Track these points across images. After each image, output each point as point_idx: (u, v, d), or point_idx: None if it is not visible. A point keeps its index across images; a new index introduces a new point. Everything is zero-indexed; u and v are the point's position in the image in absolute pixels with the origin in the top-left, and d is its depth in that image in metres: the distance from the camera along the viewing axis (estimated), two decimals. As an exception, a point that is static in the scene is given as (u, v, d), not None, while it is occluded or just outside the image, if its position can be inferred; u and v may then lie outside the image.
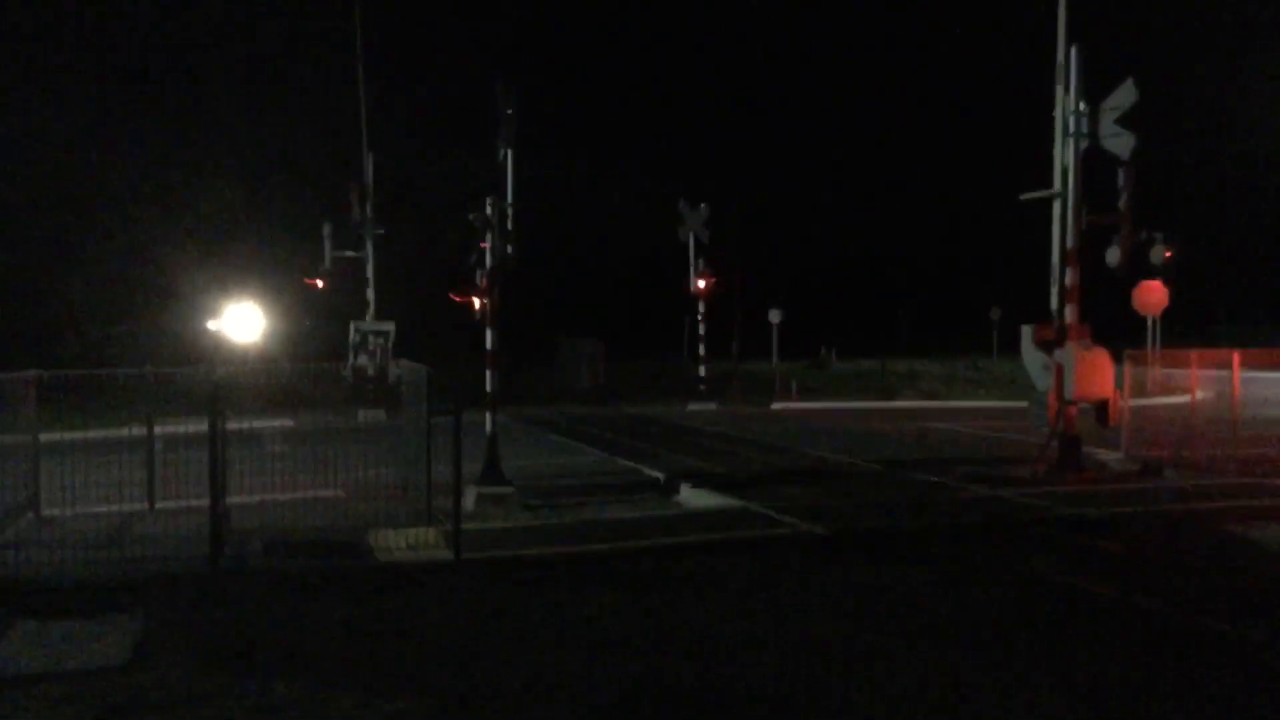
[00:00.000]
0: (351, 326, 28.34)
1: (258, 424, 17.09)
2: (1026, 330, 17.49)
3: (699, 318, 33.93)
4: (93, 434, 14.01)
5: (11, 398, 12.63)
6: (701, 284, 32.93)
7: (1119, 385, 17.44)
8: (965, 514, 13.88)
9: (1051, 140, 17.38)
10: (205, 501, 11.67)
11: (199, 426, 12.19)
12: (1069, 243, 17.01)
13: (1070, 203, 17.05)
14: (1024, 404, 19.50)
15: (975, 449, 20.80)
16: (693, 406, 31.66)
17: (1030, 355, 17.46)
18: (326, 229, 29.98)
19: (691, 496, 15.61)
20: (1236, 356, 17.88)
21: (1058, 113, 17.14)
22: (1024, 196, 17.89)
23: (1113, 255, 17.27)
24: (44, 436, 14.18)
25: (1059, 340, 17.06)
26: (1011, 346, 29.24)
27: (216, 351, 23.51)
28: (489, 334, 15.59)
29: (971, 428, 24.97)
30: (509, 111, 15.47)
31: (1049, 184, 17.40)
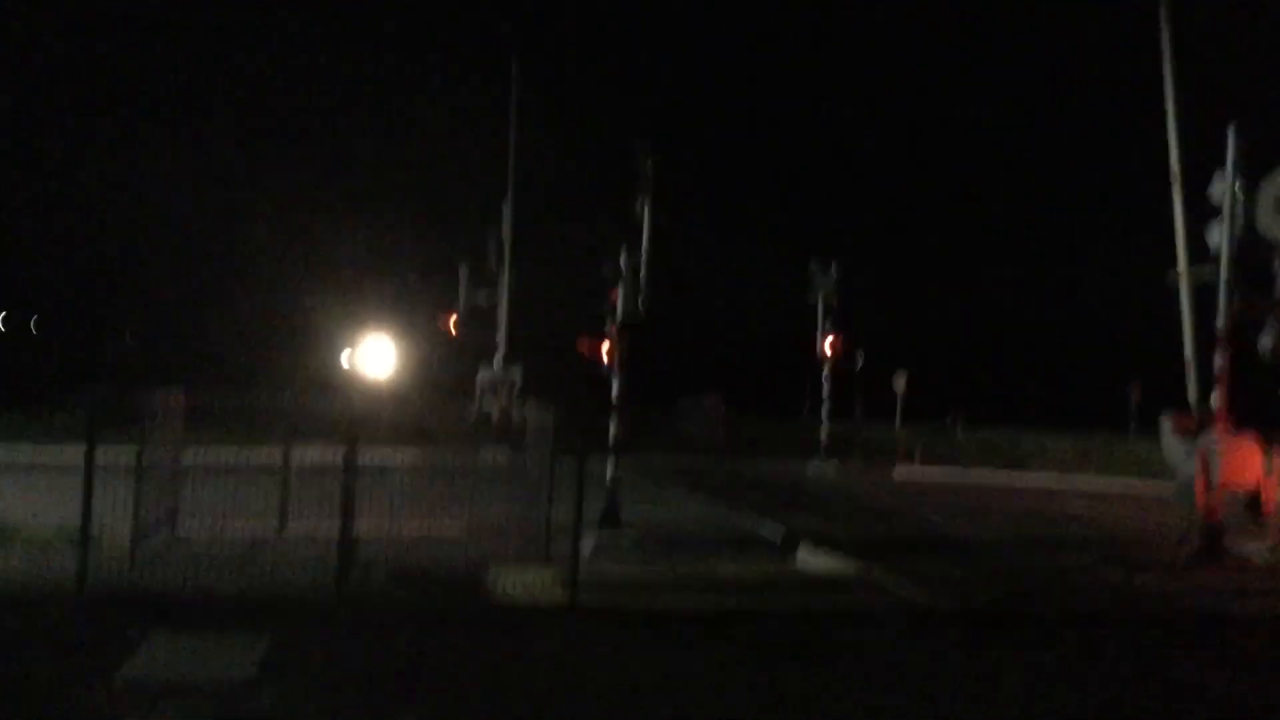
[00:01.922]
0: (480, 371, 28.85)
1: (385, 456, 17.49)
2: (1165, 423, 16.83)
3: (823, 378, 33.57)
4: (231, 455, 14.50)
5: (159, 416, 13.19)
6: (828, 346, 32.62)
7: (1268, 473, 16.59)
8: (1098, 599, 13.32)
9: (1204, 218, 16.80)
10: (334, 528, 11.99)
11: (332, 455, 12.57)
12: (1219, 327, 16.35)
13: (1223, 286, 16.40)
14: (1162, 486, 18.71)
15: (1109, 530, 19.99)
16: (813, 467, 31.25)
17: (1170, 444, 16.77)
18: (463, 271, 30.69)
19: (810, 558, 15.35)
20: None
21: (1213, 192, 16.55)
22: (1172, 277, 17.31)
23: (1265, 342, 16.48)
24: (186, 455, 14.74)
25: (1203, 426, 16.34)
26: (1149, 427, 28.15)
27: (351, 384, 24.20)
28: (615, 382, 15.75)
29: (1106, 508, 24.03)
30: (648, 167, 15.73)
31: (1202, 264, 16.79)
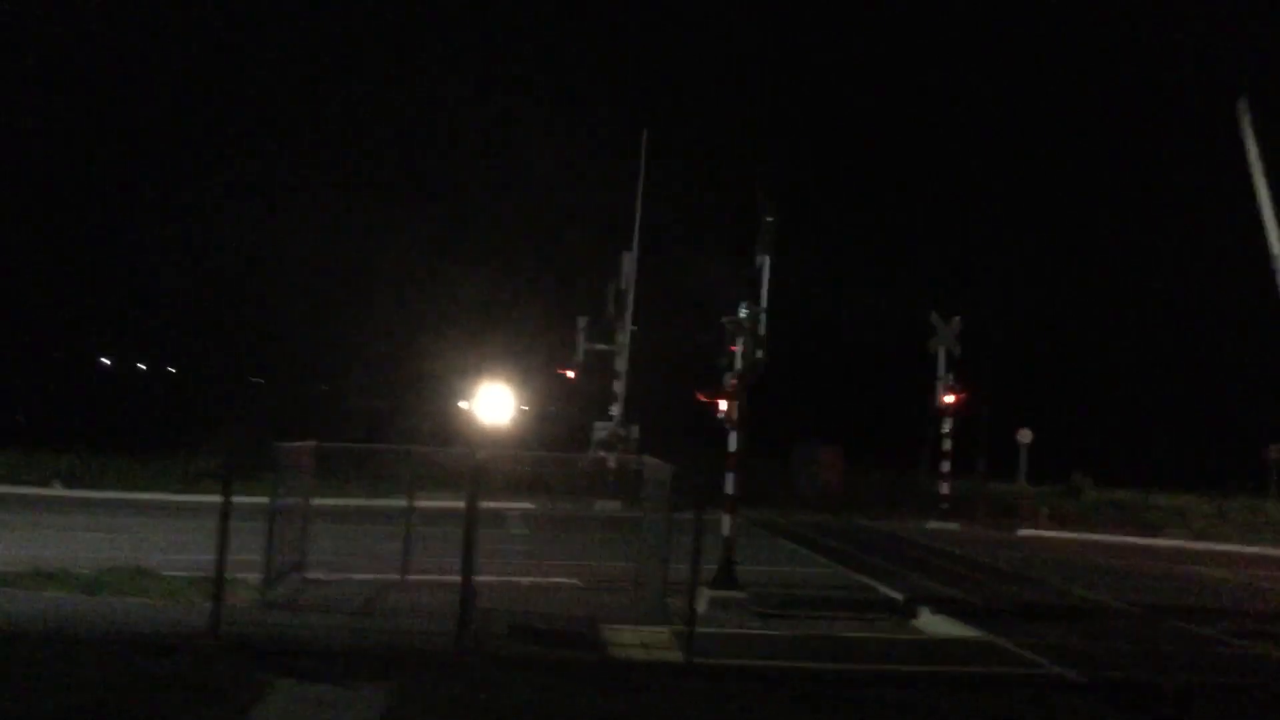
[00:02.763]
0: (596, 426, 29.08)
1: (502, 504, 17.72)
2: None
3: (943, 432, 32.87)
4: (356, 502, 14.88)
5: (291, 465, 13.63)
6: (949, 398, 31.96)
7: None
8: (1238, 673, 12.65)
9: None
10: (454, 577, 12.17)
11: (450, 503, 12.79)
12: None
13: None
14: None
15: (1249, 600, 19.01)
16: (932, 524, 30.53)
17: None
18: (582, 322, 31.12)
19: (932, 623, 14.95)
20: None
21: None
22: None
23: None
24: (315, 502, 15.18)
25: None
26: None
27: (468, 431, 24.60)
28: (732, 436, 15.64)
29: (1245, 576, 22.87)
30: (768, 219, 15.72)
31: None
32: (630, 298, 30.11)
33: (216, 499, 11.50)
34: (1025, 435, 37.67)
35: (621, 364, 30.37)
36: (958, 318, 32.78)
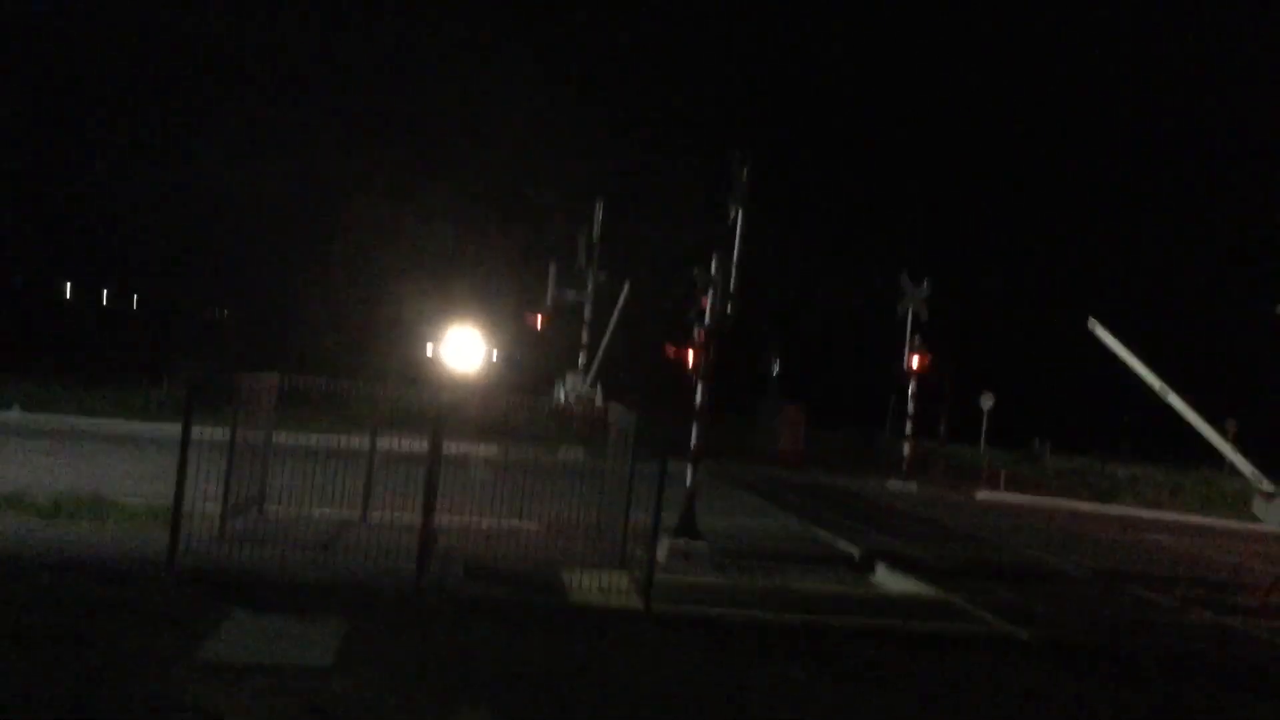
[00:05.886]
0: (559, 383, 29.02)
1: (467, 448, 17.67)
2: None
3: (908, 395, 33.12)
4: (319, 439, 14.77)
5: (253, 397, 13.49)
6: (915, 361, 32.13)
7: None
8: (1186, 639, 12.90)
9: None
10: (415, 518, 12.15)
11: (416, 444, 12.73)
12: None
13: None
14: (1254, 528, 18.02)
15: (1199, 568, 19.36)
16: (893, 484, 30.82)
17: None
18: (551, 269, 30.97)
19: (887, 578, 15.13)
20: None
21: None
22: (1281, 307, 16.70)
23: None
24: (276, 437, 15.07)
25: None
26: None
27: (437, 376, 24.52)
28: (700, 389, 15.66)
29: (1197, 545, 23.28)
30: (742, 172, 15.62)
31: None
32: (595, 246, 29.98)
33: (178, 429, 11.39)
34: (988, 400, 38.04)
35: (589, 311, 30.30)
36: (927, 280, 32.90)
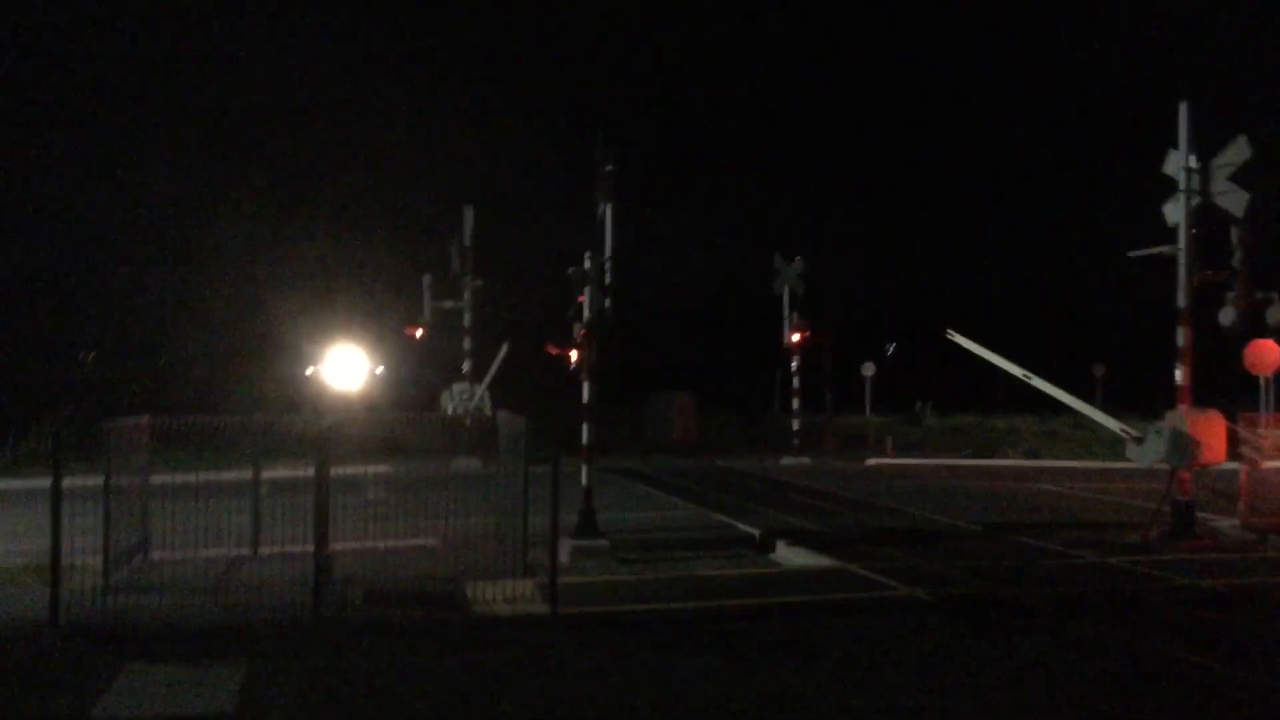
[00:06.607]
0: (445, 394, 28.65)
1: (357, 470, 17.36)
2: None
3: (792, 371, 33.68)
4: (201, 477, 14.32)
5: (125, 443, 13.00)
6: (795, 337, 32.69)
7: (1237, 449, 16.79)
8: (1074, 582, 13.42)
9: (1162, 197, 16.96)
10: (308, 547, 11.87)
11: (302, 472, 12.43)
12: (1181, 302, 16.51)
13: (1183, 261, 16.57)
14: (1130, 466, 18.79)
15: (1080, 512, 20.17)
16: (786, 461, 31.34)
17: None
18: (426, 280, 30.55)
19: (788, 555, 15.38)
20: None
21: (1168, 168, 16.75)
22: (1133, 254, 17.45)
23: (1226, 315, 16.70)
24: (154, 479, 14.56)
25: (1172, 403, 16.53)
26: (1115, 404, 28.34)
27: (319, 398, 23.97)
28: (585, 387, 15.66)
29: (1075, 489, 24.25)
30: (608, 167, 15.65)
31: (1160, 241, 16.95)
32: (468, 254, 29.68)
33: (48, 482, 10.91)
34: (868, 368, 38.95)
35: (468, 319, 29.98)
36: (799, 258, 33.47)
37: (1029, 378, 17.60)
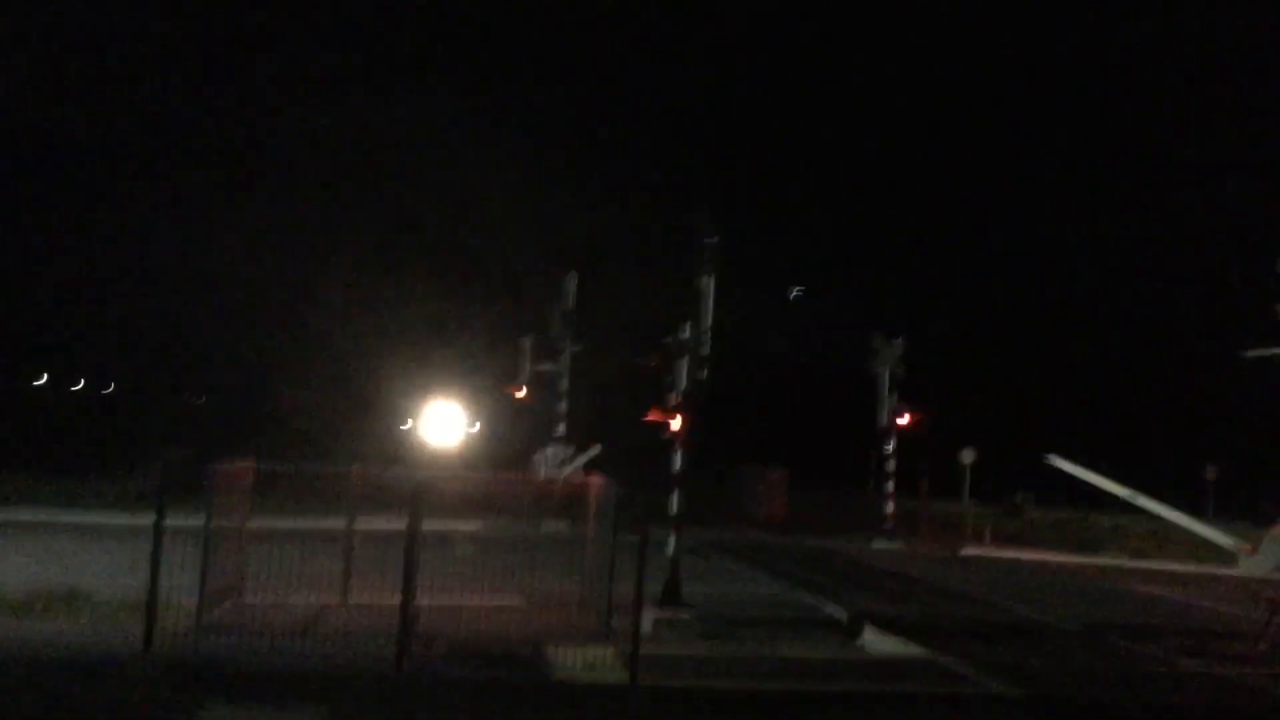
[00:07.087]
0: (540, 455, 28.91)
1: (447, 526, 17.52)
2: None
3: (888, 452, 33.12)
4: (297, 524, 14.64)
5: (227, 486, 13.35)
6: (896, 420, 32.21)
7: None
8: (1180, 692, 12.82)
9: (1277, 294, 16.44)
10: (395, 599, 11.98)
11: (395, 525, 12.60)
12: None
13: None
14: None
15: (1187, 618, 19.30)
16: (877, 544, 30.70)
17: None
18: (527, 341, 31.00)
19: (875, 641, 15.00)
20: None
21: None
22: (1249, 353, 16.90)
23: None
24: (252, 523, 14.88)
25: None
26: (1228, 509, 27.28)
27: (415, 452, 24.34)
28: (678, 455, 15.66)
29: (1182, 594, 23.23)
30: (711, 241, 15.79)
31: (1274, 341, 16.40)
32: (570, 318, 30.09)
33: (153, 520, 11.25)
34: (968, 455, 38.01)
35: (566, 383, 30.27)
36: (900, 339, 33.08)
37: (1135, 498, 17.10)
